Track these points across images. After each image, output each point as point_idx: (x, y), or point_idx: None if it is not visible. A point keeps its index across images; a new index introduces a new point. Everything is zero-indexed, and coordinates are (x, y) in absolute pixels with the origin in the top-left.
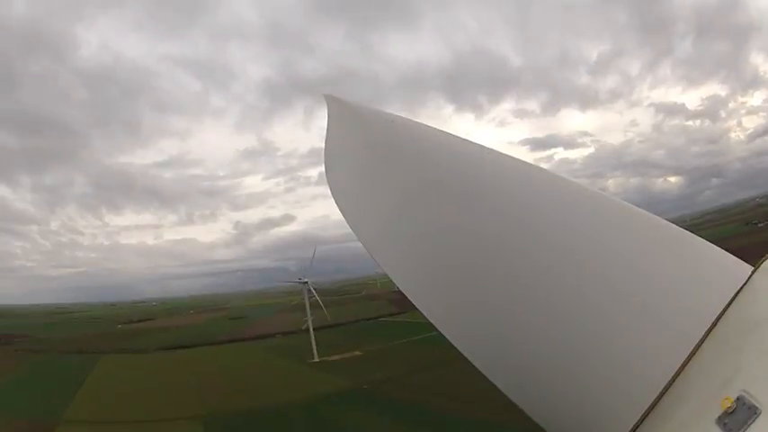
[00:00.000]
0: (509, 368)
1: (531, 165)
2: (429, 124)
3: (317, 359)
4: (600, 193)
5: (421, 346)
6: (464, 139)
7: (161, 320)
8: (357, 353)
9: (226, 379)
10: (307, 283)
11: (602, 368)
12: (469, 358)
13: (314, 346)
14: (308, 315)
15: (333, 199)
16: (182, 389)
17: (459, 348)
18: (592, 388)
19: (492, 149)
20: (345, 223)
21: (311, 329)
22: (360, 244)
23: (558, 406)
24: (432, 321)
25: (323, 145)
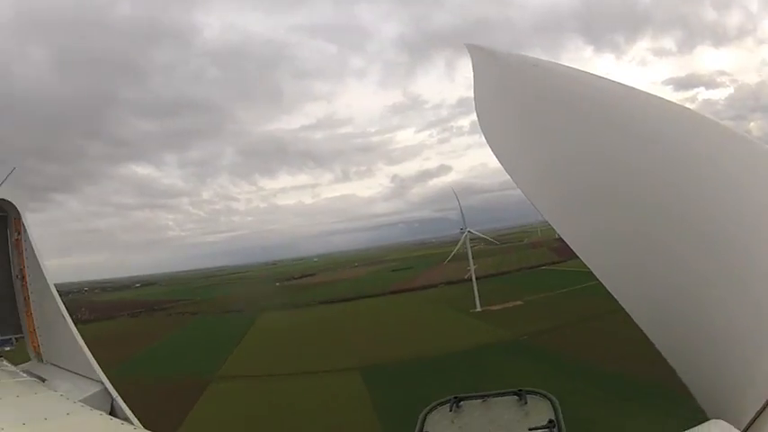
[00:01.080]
0: (652, 306)
1: (680, 106)
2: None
3: (479, 309)
4: (747, 136)
5: (581, 296)
6: (606, 78)
7: (322, 276)
8: (518, 302)
9: (387, 330)
10: (468, 232)
11: (745, 316)
12: (616, 296)
13: (476, 296)
14: (471, 264)
15: (488, 146)
16: (341, 341)
17: (613, 292)
18: (736, 335)
19: (634, 88)
20: (503, 170)
21: (474, 279)
22: (519, 191)
23: (698, 352)
24: (585, 261)
25: (470, 94)
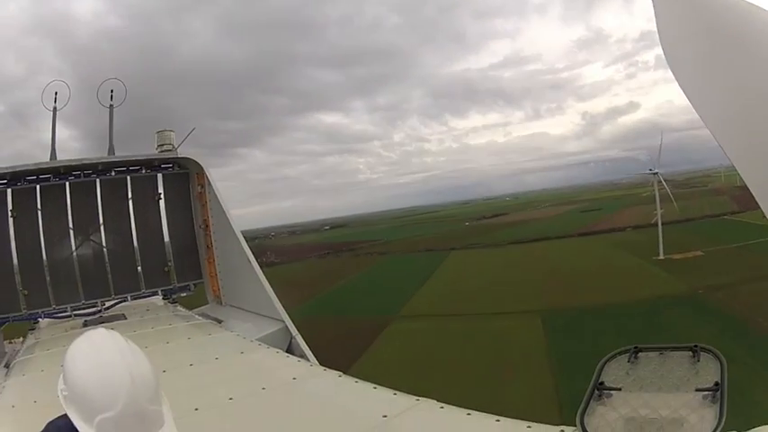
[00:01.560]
0: None
1: None
2: None
3: (662, 257)
4: None
5: (758, 251)
6: None
7: (514, 215)
8: (698, 253)
9: (571, 273)
10: (656, 173)
11: None
12: None
13: (660, 243)
14: (658, 209)
15: (675, 82)
16: (526, 282)
17: None
18: None
19: None
20: (691, 108)
21: (660, 224)
22: (705, 131)
23: None
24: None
25: (652, 27)
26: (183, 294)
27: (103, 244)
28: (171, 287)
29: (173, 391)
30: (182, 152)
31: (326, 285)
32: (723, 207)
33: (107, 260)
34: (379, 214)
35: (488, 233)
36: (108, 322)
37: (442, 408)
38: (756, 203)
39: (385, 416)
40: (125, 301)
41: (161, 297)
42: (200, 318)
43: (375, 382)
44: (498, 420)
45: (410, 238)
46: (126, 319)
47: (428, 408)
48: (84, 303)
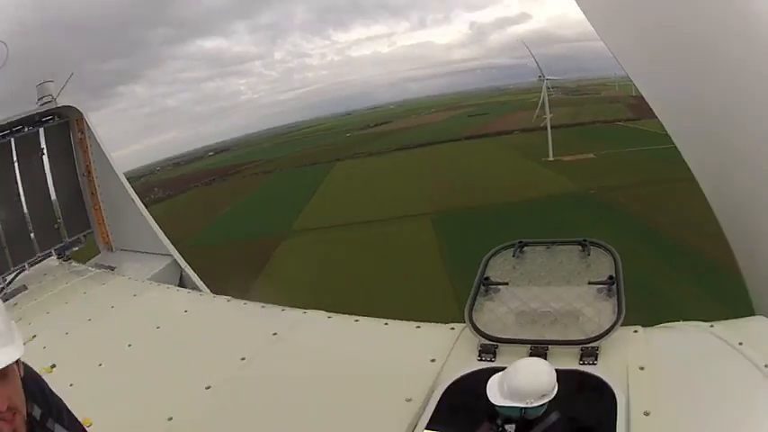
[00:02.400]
0: (722, 180)
1: None
2: None
3: (551, 158)
4: None
5: (652, 158)
6: None
7: (399, 122)
8: (590, 155)
9: (459, 176)
10: (546, 80)
11: None
12: (687, 160)
13: (550, 145)
14: (547, 113)
15: None
16: (414, 187)
17: (685, 157)
18: None
19: None
20: (584, 21)
21: (549, 127)
22: (599, 43)
23: (762, 238)
24: (661, 119)
25: None
26: (76, 249)
27: None
28: (63, 244)
29: (77, 351)
30: (61, 102)
31: (215, 212)
32: (617, 114)
33: (1, 233)
34: (262, 133)
35: (373, 142)
36: (12, 297)
37: (329, 317)
38: (653, 113)
39: (275, 333)
40: (24, 270)
41: (56, 257)
42: (94, 269)
43: (275, 302)
44: (387, 324)
45: (294, 153)
46: (27, 289)
47: (316, 319)
48: None
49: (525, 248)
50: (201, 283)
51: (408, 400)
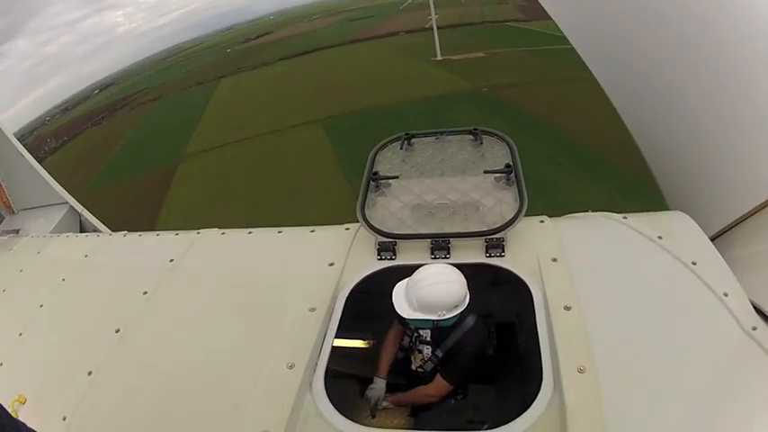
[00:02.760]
0: (622, 74)
1: None
2: None
3: (439, 57)
4: None
5: (545, 58)
6: None
7: (281, 32)
8: (480, 54)
9: (347, 80)
10: None
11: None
12: (584, 58)
13: (437, 44)
14: (432, 12)
15: None
16: (303, 95)
17: (582, 55)
18: (718, 128)
19: None
20: None
21: (434, 27)
22: None
23: (667, 132)
24: (556, 19)
25: None
26: None
27: None
28: None
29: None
30: None
31: (108, 150)
32: (506, 14)
33: None
34: (144, 62)
35: (256, 54)
36: None
37: (223, 233)
38: (546, 14)
39: (172, 259)
40: None
41: None
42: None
43: (180, 229)
44: (280, 232)
45: (178, 76)
46: None
47: (210, 238)
48: None
49: (413, 140)
50: (100, 224)
51: (312, 310)
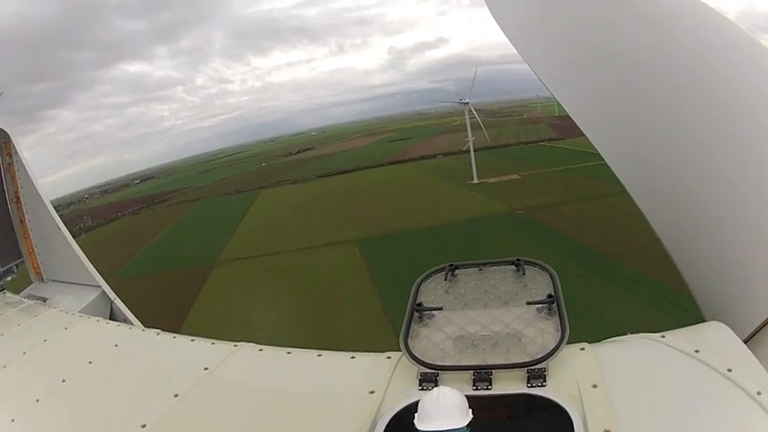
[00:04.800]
0: (653, 187)
1: None
2: None
3: (476, 180)
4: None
5: (579, 176)
6: None
7: (321, 149)
8: (515, 176)
9: (384, 201)
10: (467, 103)
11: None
12: (617, 173)
13: (473, 168)
14: (469, 136)
15: (493, 20)
16: (340, 214)
17: (616, 172)
18: (747, 231)
19: None
20: (504, 44)
21: (471, 150)
22: (518, 65)
23: (701, 245)
24: (594, 142)
25: None
26: (8, 279)
27: None
28: None
29: (15, 386)
30: None
31: (144, 241)
32: (540, 134)
33: None
34: (185, 161)
35: (296, 168)
36: None
37: (261, 350)
38: (579, 131)
39: (206, 368)
40: None
41: None
42: (27, 300)
43: (209, 334)
44: (320, 355)
45: (219, 181)
46: None
47: (247, 352)
48: None
49: (457, 271)
50: (132, 315)
51: None
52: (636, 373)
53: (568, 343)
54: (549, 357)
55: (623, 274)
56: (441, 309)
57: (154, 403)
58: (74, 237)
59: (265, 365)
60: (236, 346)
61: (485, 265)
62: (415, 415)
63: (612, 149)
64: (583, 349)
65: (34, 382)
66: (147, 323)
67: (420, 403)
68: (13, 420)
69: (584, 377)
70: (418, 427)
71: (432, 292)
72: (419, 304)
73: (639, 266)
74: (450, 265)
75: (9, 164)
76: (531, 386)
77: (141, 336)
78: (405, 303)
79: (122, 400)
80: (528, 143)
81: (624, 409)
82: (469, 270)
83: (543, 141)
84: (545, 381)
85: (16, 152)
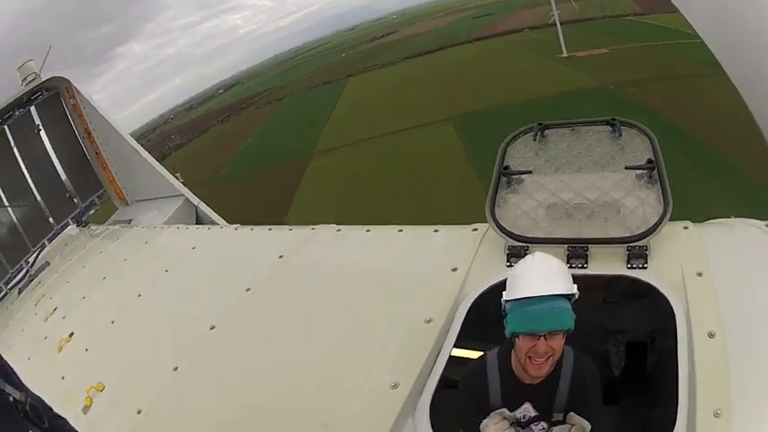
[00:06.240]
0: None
1: None
2: None
3: (565, 54)
4: None
5: (666, 52)
6: None
7: (404, 31)
8: (604, 50)
9: (474, 79)
10: None
11: None
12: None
13: (561, 41)
14: (554, 9)
15: None
16: (429, 94)
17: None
18: None
19: None
20: None
21: (558, 23)
22: None
23: None
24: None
25: None
26: (92, 212)
27: (6, 204)
28: (78, 211)
29: (92, 314)
30: (45, 77)
31: (238, 145)
32: (625, 8)
33: (14, 218)
34: (267, 63)
35: (382, 53)
36: (36, 276)
37: (339, 230)
38: (662, 6)
39: (281, 256)
40: (44, 247)
41: (74, 225)
42: (112, 226)
43: (311, 222)
44: (401, 230)
45: (304, 75)
46: (50, 264)
47: (325, 235)
48: (12, 273)
49: (547, 131)
50: (217, 216)
51: (428, 321)
52: (743, 263)
53: (670, 220)
54: (651, 233)
55: (715, 161)
56: (530, 172)
57: (225, 301)
58: (162, 157)
59: (341, 246)
60: (313, 229)
61: (577, 124)
62: (504, 292)
63: (710, 27)
64: (686, 228)
65: (111, 306)
66: (249, 222)
67: (513, 272)
68: (86, 350)
69: (689, 262)
70: (512, 297)
71: (520, 154)
72: (506, 167)
73: (733, 157)
74: (540, 125)
75: (74, 104)
76: (632, 267)
77: (219, 234)
78: None
79: (193, 304)
80: (614, 17)
81: (730, 306)
82: (561, 130)
83: (628, 15)
84: (646, 262)
85: (78, 92)
